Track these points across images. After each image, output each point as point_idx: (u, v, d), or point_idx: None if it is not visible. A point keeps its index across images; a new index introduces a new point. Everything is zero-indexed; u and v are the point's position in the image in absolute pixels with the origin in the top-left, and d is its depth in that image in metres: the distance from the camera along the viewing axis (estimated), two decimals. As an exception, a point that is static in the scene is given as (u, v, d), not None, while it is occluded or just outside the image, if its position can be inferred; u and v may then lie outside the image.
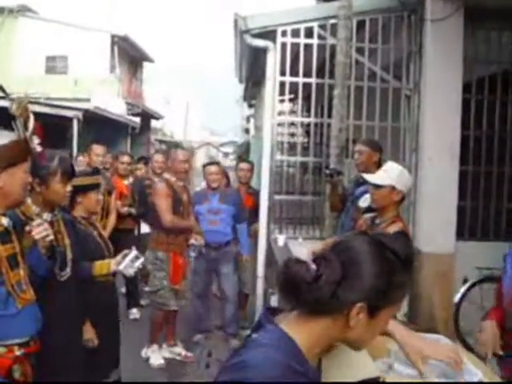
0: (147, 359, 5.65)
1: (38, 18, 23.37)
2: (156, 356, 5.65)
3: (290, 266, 1.36)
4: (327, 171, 5.05)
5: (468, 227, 6.11)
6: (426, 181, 5.84)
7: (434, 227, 5.65)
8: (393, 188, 3.41)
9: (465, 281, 5.36)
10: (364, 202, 4.40)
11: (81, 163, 7.19)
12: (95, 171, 4.20)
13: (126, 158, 7.39)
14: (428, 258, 5.46)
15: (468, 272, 5.46)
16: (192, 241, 5.66)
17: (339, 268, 1.32)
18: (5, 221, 2.54)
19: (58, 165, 3.07)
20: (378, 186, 3.44)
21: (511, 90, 6.26)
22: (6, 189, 2.50)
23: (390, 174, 3.45)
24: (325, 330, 1.37)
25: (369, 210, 4.00)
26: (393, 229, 3.32)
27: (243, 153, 22.70)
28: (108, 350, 3.82)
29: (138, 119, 23.22)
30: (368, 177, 3.57)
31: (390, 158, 5.80)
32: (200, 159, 28.32)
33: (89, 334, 3.54)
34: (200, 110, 48.50)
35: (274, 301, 5.65)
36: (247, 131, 24.77)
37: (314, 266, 1.34)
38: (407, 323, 4.51)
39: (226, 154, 43.94)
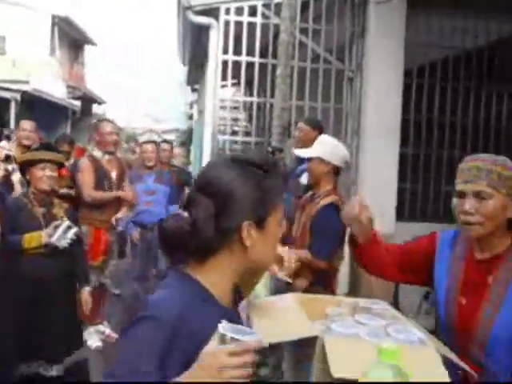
0: (84, 341, 5.51)
1: (-26, -4, 22.46)
2: (93, 338, 5.51)
3: (165, 225, 1.34)
4: (269, 149, 5.03)
5: (408, 208, 6.20)
6: (367, 163, 5.89)
7: (375, 208, 5.62)
8: (321, 159, 3.40)
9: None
10: (305, 179, 4.38)
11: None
12: (45, 146, 4.04)
13: (65, 147, 7.21)
14: (369, 238, 5.48)
15: (407, 252, 5.52)
16: (118, 215, 5.53)
17: (210, 202, 1.32)
18: None
19: None
20: (308, 159, 3.44)
21: (451, 75, 6.38)
22: None
23: (318, 146, 3.46)
24: (226, 263, 1.36)
25: (310, 187, 3.99)
26: (327, 201, 3.33)
27: (186, 139, 22.50)
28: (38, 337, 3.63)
29: (78, 103, 22.67)
30: (297, 151, 3.58)
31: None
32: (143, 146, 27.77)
33: None
34: (143, 96, 47.85)
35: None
36: (191, 117, 24.51)
37: (186, 214, 1.33)
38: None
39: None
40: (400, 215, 5.93)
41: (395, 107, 5.93)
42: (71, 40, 26.23)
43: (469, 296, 2.00)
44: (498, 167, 1.92)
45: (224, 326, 1.13)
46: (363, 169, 5.89)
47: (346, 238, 2.76)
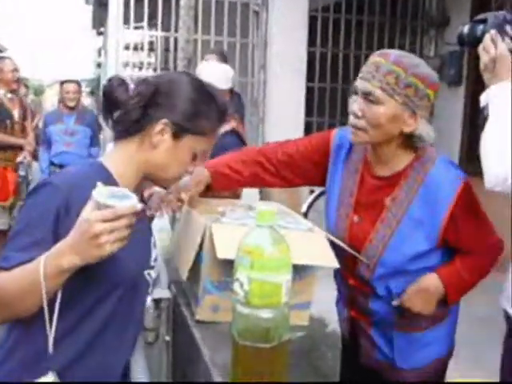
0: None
1: None
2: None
3: (111, 84, 1.39)
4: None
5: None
6: (274, 97, 5.89)
7: (283, 142, 5.72)
8: (230, 91, 3.42)
9: (311, 192, 5.53)
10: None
11: None
12: None
13: None
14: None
15: (314, 184, 5.63)
16: (19, 158, 5.34)
17: (153, 86, 1.38)
18: None
19: None
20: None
21: (356, 11, 6.46)
22: None
23: (222, 76, 3.44)
24: (132, 152, 1.40)
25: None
26: (225, 128, 3.32)
27: (95, 88, 21.78)
28: None
29: (-23, 51, 21.45)
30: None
31: (239, 73, 5.79)
32: (50, 98, 26.80)
33: None
34: (50, 44, 45.80)
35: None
36: (99, 65, 23.66)
37: (132, 85, 1.38)
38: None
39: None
40: (307, 148, 6.01)
41: (301, 41, 5.94)
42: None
43: (362, 214, 1.80)
44: (400, 69, 1.60)
45: (100, 191, 1.10)
46: (270, 103, 5.89)
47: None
